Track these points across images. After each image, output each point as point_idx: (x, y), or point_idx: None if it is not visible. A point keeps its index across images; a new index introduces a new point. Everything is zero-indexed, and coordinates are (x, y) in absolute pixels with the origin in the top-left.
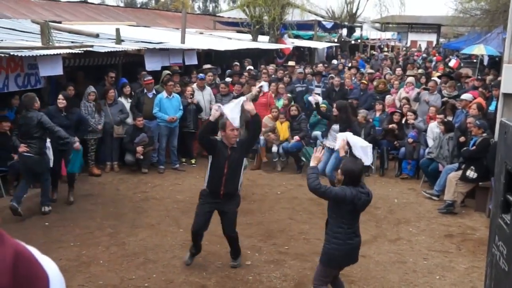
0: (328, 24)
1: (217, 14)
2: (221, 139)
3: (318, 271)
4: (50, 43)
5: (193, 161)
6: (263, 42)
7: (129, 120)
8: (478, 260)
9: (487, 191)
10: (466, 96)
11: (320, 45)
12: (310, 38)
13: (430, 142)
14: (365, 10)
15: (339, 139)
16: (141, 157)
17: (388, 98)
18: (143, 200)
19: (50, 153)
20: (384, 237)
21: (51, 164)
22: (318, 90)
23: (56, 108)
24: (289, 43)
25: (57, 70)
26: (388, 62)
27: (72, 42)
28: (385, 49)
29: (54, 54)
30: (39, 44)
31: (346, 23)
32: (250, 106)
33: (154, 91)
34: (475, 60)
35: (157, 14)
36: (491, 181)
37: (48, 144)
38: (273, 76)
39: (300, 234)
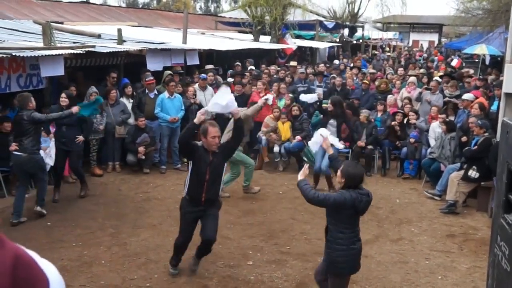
0: (330, 24)
1: (219, 14)
2: (202, 144)
3: (333, 285)
4: (52, 44)
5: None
6: (265, 42)
7: (131, 120)
8: (480, 260)
9: (489, 191)
10: (468, 96)
11: (322, 45)
12: (312, 38)
13: (432, 142)
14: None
15: (317, 139)
16: (143, 157)
17: (390, 98)
18: (145, 200)
19: (52, 153)
20: (386, 237)
21: (51, 164)
22: (320, 90)
23: (58, 107)
24: (292, 43)
25: (59, 70)
26: (390, 62)
27: (74, 42)
28: (387, 49)
29: (56, 55)
30: (41, 45)
31: (347, 23)
32: (235, 110)
33: (155, 91)
34: (477, 60)
35: (159, 14)
36: (493, 181)
37: (51, 144)
38: (274, 76)
39: (301, 234)
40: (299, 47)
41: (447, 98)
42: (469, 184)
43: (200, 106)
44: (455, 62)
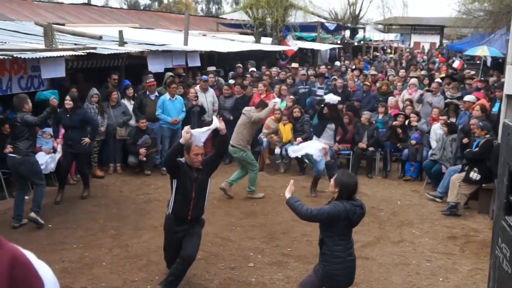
0: (331, 26)
1: (220, 16)
2: (185, 161)
3: None
4: (53, 45)
5: None
6: (266, 44)
7: (132, 122)
8: (482, 262)
9: (491, 193)
10: (469, 97)
11: (323, 47)
12: (313, 39)
13: (433, 144)
14: (368, 11)
15: (317, 149)
16: (144, 159)
17: (391, 99)
18: (146, 202)
19: (57, 157)
20: (387, 239)
21: (52, 168)
22: (321, 92)
23: (63, 109)
24: (293, 45)
25: (60, 72)
26: (392, 64)
27: (75, 44)
28: (388, 50)
29: (57, 56)
30: (43, 46)
31: (349, 25)
32: (222, 125)
33: (156, 93)
34: (478, 62)
35: (160, 16)
36: (494, 183)
37: (59, 148)
38: (276, 78)
39: (303, 236)
40: (300, 49)
41: (448, 100)
42: (470, 186)
43: (201, 108)
44: (457, 63)
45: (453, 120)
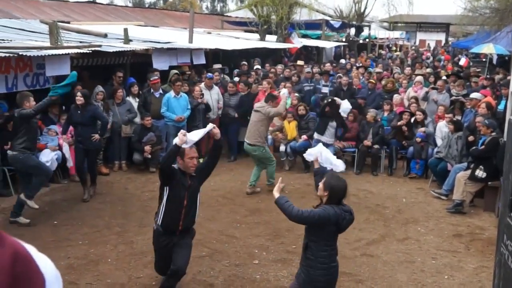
0: (336, 24)
1: (225, 14)
2: (178, 167)
3: None
4: (59, 43)
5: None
6: (271, 42)
7: (137, 119)
8: (487, 260)
9: (496, 191)
10: (475, 95)
11: (328, 45)
12: (318, 37)
13: (439, 142)
14: (373, 9)
15: (313, 151)
16: (149, 156)
17: (396, 97)
18: (151, 199)
19: (65, 150)
20: (392, 236)
21: (54, 166)
22: (326, 90)
23: (74, 106)
24: (298, 43)
25: (64, 70)
26: (398, 62)
27: (81, 42)
28: (394, 48)
29: (62, 54)
30: (48, 44)
31: (354, 23)
32: (216, 130)
33: (160, 91)
34: (484, 59)
35: (165, 14)
36: (500, 181)
37: (66, 148)
38: (281, 75)
39: None
40: (305, 47)
41: (454, 98)
42: (476, 184)
43: (207, 106)
44: (463, 61)
45: (458, 118)
